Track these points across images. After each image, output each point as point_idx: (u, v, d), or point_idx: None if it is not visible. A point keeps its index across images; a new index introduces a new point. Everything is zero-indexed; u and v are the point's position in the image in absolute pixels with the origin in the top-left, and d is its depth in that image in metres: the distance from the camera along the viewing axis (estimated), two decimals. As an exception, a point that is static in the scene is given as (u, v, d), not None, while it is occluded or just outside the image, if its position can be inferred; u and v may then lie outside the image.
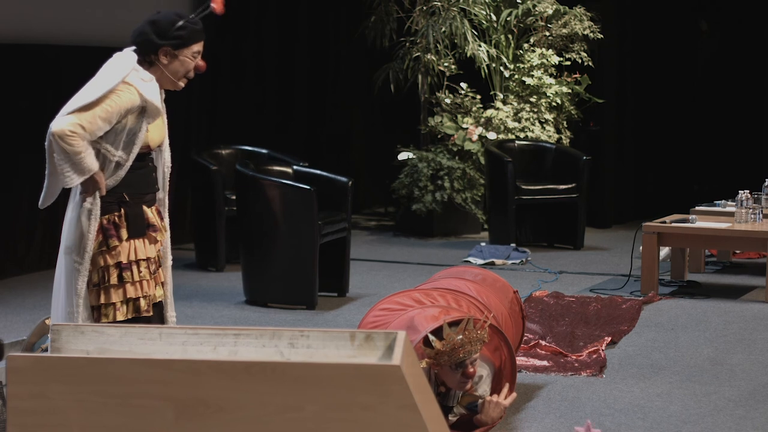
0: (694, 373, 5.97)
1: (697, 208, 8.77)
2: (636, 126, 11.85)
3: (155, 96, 4.56)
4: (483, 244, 9.72)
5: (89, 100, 4.42)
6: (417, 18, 10.56)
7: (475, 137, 10.42)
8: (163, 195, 4.81)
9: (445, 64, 10.56)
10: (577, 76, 10.71)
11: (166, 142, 4.79)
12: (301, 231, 7.47)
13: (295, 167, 8.19)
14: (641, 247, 8.09)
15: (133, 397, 3.38)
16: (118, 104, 4.46)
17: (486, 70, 10.60)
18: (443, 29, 10.30)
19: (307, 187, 7.49)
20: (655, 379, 5.84)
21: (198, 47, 4.66)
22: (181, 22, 4.59)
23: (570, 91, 10.69)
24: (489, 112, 10.58)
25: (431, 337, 4.69)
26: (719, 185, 11.07)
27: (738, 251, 9.20)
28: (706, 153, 12.30)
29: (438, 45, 10.45)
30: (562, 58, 10.68)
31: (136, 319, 4.68)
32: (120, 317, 4.64)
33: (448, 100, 10.66)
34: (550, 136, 10.56)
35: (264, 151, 9.03)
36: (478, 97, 10.72)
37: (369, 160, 12.11)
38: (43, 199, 4.73)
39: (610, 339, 6.59)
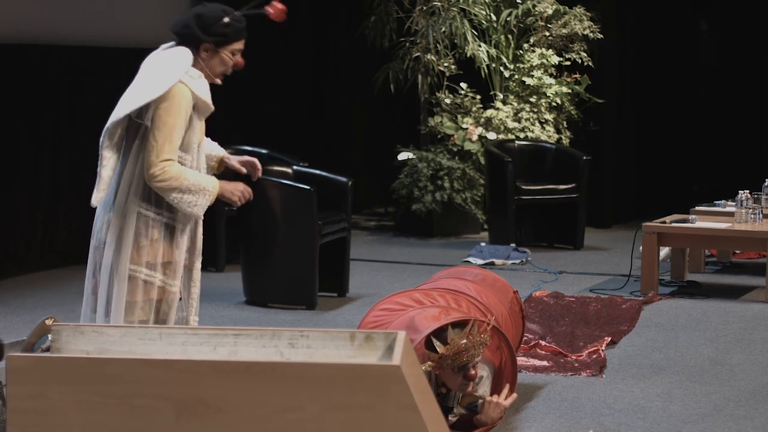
0: (694, 373, 5.97)
1: (697, 208, 8.77)
2: (636, 126, 11.85)
3: (206, 93, 4.51)
4: (483, 244, 9.72)
5: (163, 133, 4.36)
6: (417, 18, 10.56)
7: (474, 137, 10.42)
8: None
9: (445, 64, 10.56)
10: (577, 76, 10.71)
11: (204, 140, 4.71)
12: (300, 231, 7.46)
13: (294, 167, 8.19)
14: (641, 247, 8.09)
15: (133, 397, 3.38)
16: (183, 116, 4.41)
17: (486, 70, 10.60)
18: (443, 29, 10.30)
19: (307, 187, 7.49)
20: (655, 379, 5.84)
21: (239, 45, 4.58)
22: (226, 19, 4.51)
23: (570, 91, 10.69)
24: (489, 112, 10.58)
25: (435, 341, 4.69)
26: (719, 185, 11.07)
27: (738, 251, 9.20)
28: (706, 153, 12.30)
29: (438, 45, 10.45)
30: (562, 58, 10.69)
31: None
32: (143, 316, 4.60)
33: (448, 100, 10.66)
34: (549, 136, 10.56)
35: (264, 151, 9.02)
36: (478, 97, 10.72)
37: (369, 160, 12.11)
38: (95, 195, 4.62)
39: (610, 339, 6.59)
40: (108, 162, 4.54)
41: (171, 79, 4.39)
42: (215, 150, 4.84)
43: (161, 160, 4.35)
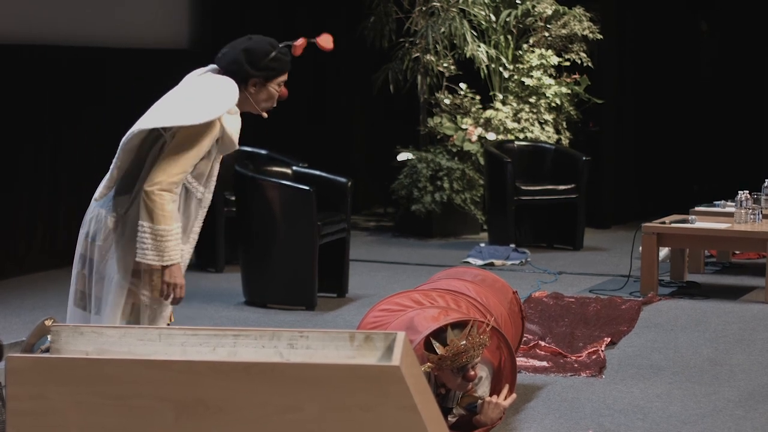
0: (693, 373, 5.97)
1: (696, 208, 8.77)
2: (635, 126, 11.85)
3: (236, 131, 4.48)
4: (482, 244, 9.72)
5: (180, 156, 4.34)
6: (416, 18, 10.56)
7: (474, 138, 10.42)
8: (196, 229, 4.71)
9: (445, 64, 10.56)
10: (577, 76, 10.71)
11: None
12: (300, 232, 7.46)
13: (294, 168, 8.19)
14: (641, 248, 8.09)
15: (133, 398, 3.38)
16: (205, 147, 4.38)
17: (485, 71, 10.60)
18: (442, 30, 10.30)
19: (307, 187, 7.49)
20: (655, 380, 5.84)
21: (285, 77, 4.59)
22: (273, 53, 4.49)
23: (569, 91, 10.69)
24: (488, 113, 10.58)
25: (434, 343, 4.69)
26: (719, 185, 11.07)
27: (737, 252, 9.20)
28: (705, 153, 12.31)
29: (437, 45, 10.45)
30: (561, 59, 10.68)
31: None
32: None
33: (447, 101, 10.66)
34: (549, 137, 10.56)
35: (263, 151, 9.02)
36: (478, 97, 10.72)
37: (368, 160, 12.11)
38: None
39: (609, 340, 6.59)
40: (123, 163, 4.50)
41: (213, 112, 4.35)
42: None
43: (168, 182, 4.32)
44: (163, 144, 4.42)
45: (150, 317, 4.48)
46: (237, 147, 4.54)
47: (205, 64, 4.73)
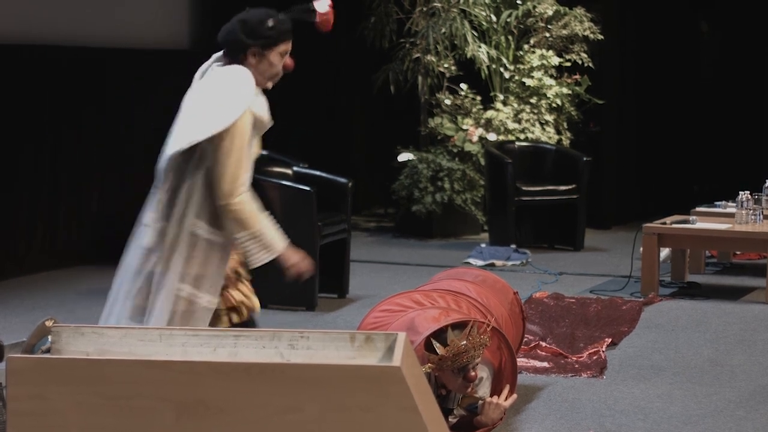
0: (694, 374, 5.97)
1: (697, 209, 8.76)
2: (636, 127, 11.85)
3: (264, 110, 4.50)
4: (483, 245, 9.71)
5: (231, 159, 4.35)
6: (417, 19, 10.56)
7: (475, 138, 10.42)
8: None
9: (445, 65, 10.55)
10: (577, 77, 10.71)
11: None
12: (300, 232, 7.44)
13: (294, 168, 8.19)
14: (641, 249, 8.08)
15: (133, 399, 3.37)
16: (246, 139, 4.40)
17: (486, 72, 10.60)
18: (443, 30, 10.29)
19: (307, 188, 7.48)
20: (656, 381, 5.84)
21: (286, 47, 4.51)
22: (270, 22, 4.45)
23: (570, 92, 10.69)
24: (489, 114, 10.58)
25: (435, 343, 4.69)
26: (719, 186, 11.07)
27: (738, 252, 9.20)
28: (706, 154, 12.31)
29: (438, 46, 10.45)
30: (562, 59, 10.68)
31: (244, 323, 4.61)
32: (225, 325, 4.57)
33: (448, 101, 10.65)
34: (550, 137, 10.55)
35: (263, 152, 8.98)
36: (478, 98, 10.72)
37: (369, 161, 12.11)
38: None
39: (610, 340, 6.58)
40: (170, 185, 4.48)
41: (239, 108, 4.35)
42: None
43: (237, 186, 4.35)
44: (204, 151, 4.41)
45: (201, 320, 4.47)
46: (270, 123, 4.54)
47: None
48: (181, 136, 4.46)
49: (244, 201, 4.37)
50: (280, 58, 4.50)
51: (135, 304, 4.50)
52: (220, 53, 4.58)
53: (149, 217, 4.53)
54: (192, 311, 4.44)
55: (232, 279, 4.71)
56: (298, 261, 4.54)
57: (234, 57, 4.48)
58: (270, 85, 4.57)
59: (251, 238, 4.39)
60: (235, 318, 4.74)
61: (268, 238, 4.43)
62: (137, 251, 4.57)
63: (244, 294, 4.72)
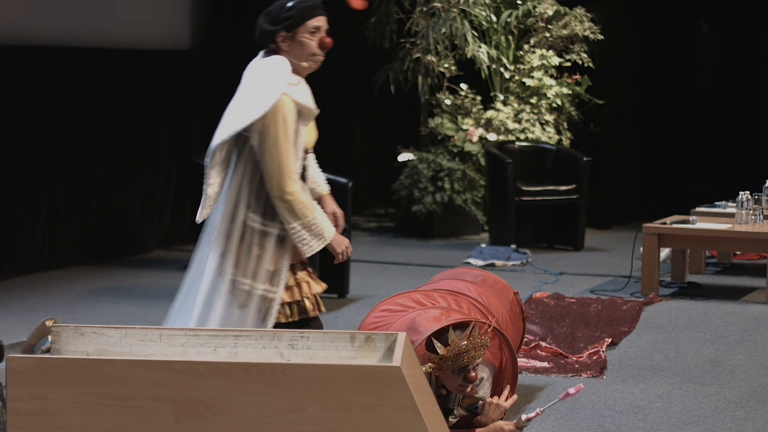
0: (694, 374, 5.97)
1: (697, 209, 8.76)
2: (636, 127, 11.85)
3: (308, 98, 4.53)
4: (483, 245, 9.71)
5: (279, 148, 4.39)
6: (417, 19, 10.56)
7: (475, 138, 10.42)
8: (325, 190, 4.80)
9: (446, 65, 10.55)
10: (578, 77, 10.70)
11: (314, 165, 4.76)
12: (301, 232, 7.45)
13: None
14: (641, 249, 8.08)
15: (133, 399, 3.37)
16: (291, 127, 4.43)
17: (486, 72, 10.60)
18: (443, 30, 10.29)
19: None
20: (656, 381, 5.84)
21: (315, 23, 4.51)
22: (290, 4, 4.49)
23: (570, 92, 10.68)
24: (489, 114, 10.57)
25: (436, 343, 4.69)
26: (720, 186, 11.07)
27: (738, 252, 9.19)
28: (706, 154, 12.30)
29: (438, 46, 10.45)
30: (562, 59, 10.68)
31: (304, 320, 4.62)
32: (282, 320, 4.57)
33: (448, 102, 10.65)
34: (550, 137, 10.55)
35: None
36: (479, 98, 10.72)
37: (369, 161, 12.11)
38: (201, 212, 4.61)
39: (610, 340, 6.58)
40: (215, 180, 4.55)
41: (274, 93, 4.40)
42: (320, 186, 4.85)
43: (289, 177, 4.40)
44: (251, 144, 4.46)
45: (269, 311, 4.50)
46: (317, 111, 4.57)
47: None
48: (223, 128, 4.51)
49: (297, 191, 4.43)
50: (310, 35, 4.52)
51: (202, 304, 4.53)
52: (264, 51, 4.62)
53: (201, 215, 4.58)
54: (253, 303, 4.48)
55: (302, 274, 4.67)
56: (346, 247, 4.61)
57: (267, 49, 4.55)
58: (312, 66, 4.58)
59: (305, 228, 4.46)
60: (295, 314, 4.68)
61: (321, 226, 4.50)
62: (200, 250, 4.63)
63: (304, 290, 4.69)
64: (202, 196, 4.57)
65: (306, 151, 4.63)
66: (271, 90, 4.41)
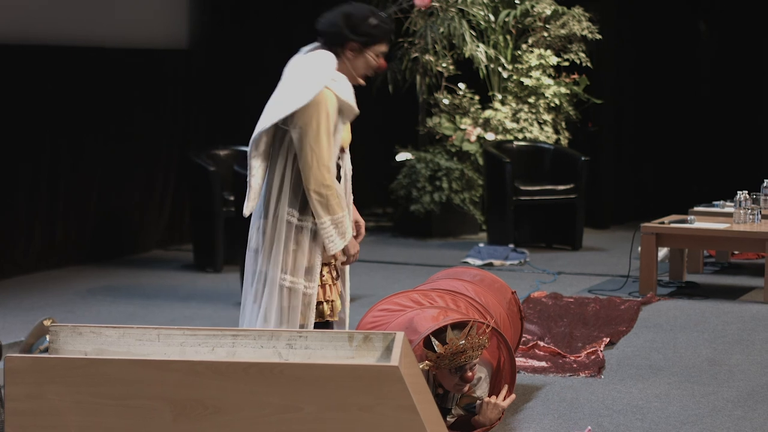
0: (692, 373, 5.97)
1: (695, 208, 8.76)
2: (634, 126, 11.85)
3: (350, 95, 4.53)
4: (481, 244, 9.71)
5: (318, 141, 4.40)
6: (415, 19, 10.56)
7: (473, 138, 10.42)
8: (350, 198, 4.77)
9: (443, 64, 10.55)
10: (576, 76, 10.71)
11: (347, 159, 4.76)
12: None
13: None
14: (639, 248, 8.09)
15: (131, 398, 3.37)
16: (331, 121, 4.44)
17: (484, 71, 10.60)
18: (441, 30, 10.29)
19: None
20: (654, 380, 5.84)
21: (384, 47, 4.59)
22: (374, 20, 4.52)
23: (568, 91, 10.69)
24: (487, 113, 10.58)
25: (434, 341, 4.69)
26: (718, 186, 11.07)
27: (736, 252, 9.20)
28: (704, 154, 12.30)
29: (436, 46, 10.45)
30: (560, 59, 10.68)
31: (322, 323, 4.62)
32: (301, 320, 4.58)
33: (446, 101, 10.65)
34: (548, 137, 10.55)
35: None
36: (477, 97, 10.72)
37: (367, 160, 12.10)
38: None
39: (608, 340, 6.58)
40: (257, 171, 4.56)
41: (316, 86, 4.40)
42: (348, 194, 4.82)
43: (327, 171, 4.41)
44: (291, 138, 4.47)
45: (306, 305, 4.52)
46: (357, 111, 4.57)
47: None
48: (264, 118, 4.51)
49: (332, 186, 4.44)
50: (375, 56, 4.58)
51: (261, 306, 4.55)
52: (312, 45, 4.60)
53: (248, 207, 4.59)
54: (297, 300, 4.50)
55: (327, 276, 4.68)
56: (357, 251, 4.65)
57: (332, 48, 4.54)
58: (362, 82, 4.63)
59: (333, 224, 4.48)
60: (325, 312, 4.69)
61: (346, 225, 4.53)
62: (248, 254, 4.65)
63: (326, 294, 4.70)
64: (247, 189, 4.56)
65: (342, 150, 4.62)
66: (315, 82, 4.41)
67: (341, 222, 4.49)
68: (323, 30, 4.55)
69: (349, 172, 4.72)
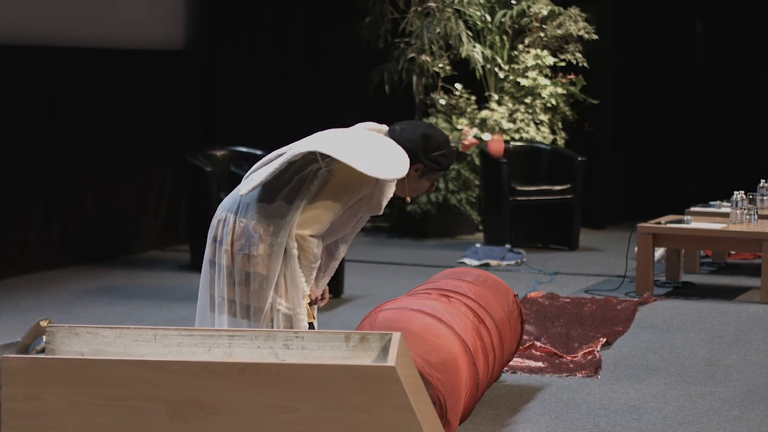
0: (689, 374, 5.97)
1: (692, 208, 8.77)
2: (631, 127, 11.86)
3: (387, 196, 4.56)
4: (478, 245, 9.71)
5: (331, 204, 4.42)
6: (411, 19, 10.56)
7: (469, 138, 10.42)
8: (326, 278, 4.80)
9: (440, 65, 10.55)
10: (572, 77, 10.71)
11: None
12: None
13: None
14: (636, 248, 8.09)
15: (128, 399, 3.37)
16: (356, 196, 4.47)
17: (481, 71, 10.60)
18: (438, 30, 10.30)
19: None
20: (650, 380, 5.84)
21: (439, 176, 4.68)
22: (445, 150, 4.58)
23: (565, 92, 10.69)
24: (484, 113, 10.58)
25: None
26: (714, 186, 11.08)
27: (733, 252, 9.20)
28: (701, 154, 12.32)
29: (433, 46, 10.45)
30: (557, 59, 10.69)
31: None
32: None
33: (442, 101, 10.66)
34: (544, 137, 10.56)
35: (259, 152, 9.02)
36: (473, 98, 10.72)
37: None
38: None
39: (605, 340, 6.58)
40: (270, 178, 4.48)
41: (388, 172, 4.37)
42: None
43: (318, 229, 4.41)
44: (317, 171, 4.45)
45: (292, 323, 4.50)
46: (380, 213, 4.61)
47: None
48: (320, 142, 4.49)
49: (314, 245, 4.41)
50: (429, 183, 4.64)
51: (210, 293, 4.58)
52: (380, 127, 4.68)
53: (242, 190, 4.55)
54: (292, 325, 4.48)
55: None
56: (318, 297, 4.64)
57: (393, 134, 4.61)
58: (409, 199, 4.69)
59: (310, 267, 4.47)
60: None
61: (311, 276, 4.51)
62: (208, 239, 4.65)
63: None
64: (250, 180, 4.52)
65: (341, 234, 4.65)
66: (389, 167, 4.38)
67: (311, 270, 4.47)
68: (399, 141, 4.56)
69: (339, 260, 4.74)
